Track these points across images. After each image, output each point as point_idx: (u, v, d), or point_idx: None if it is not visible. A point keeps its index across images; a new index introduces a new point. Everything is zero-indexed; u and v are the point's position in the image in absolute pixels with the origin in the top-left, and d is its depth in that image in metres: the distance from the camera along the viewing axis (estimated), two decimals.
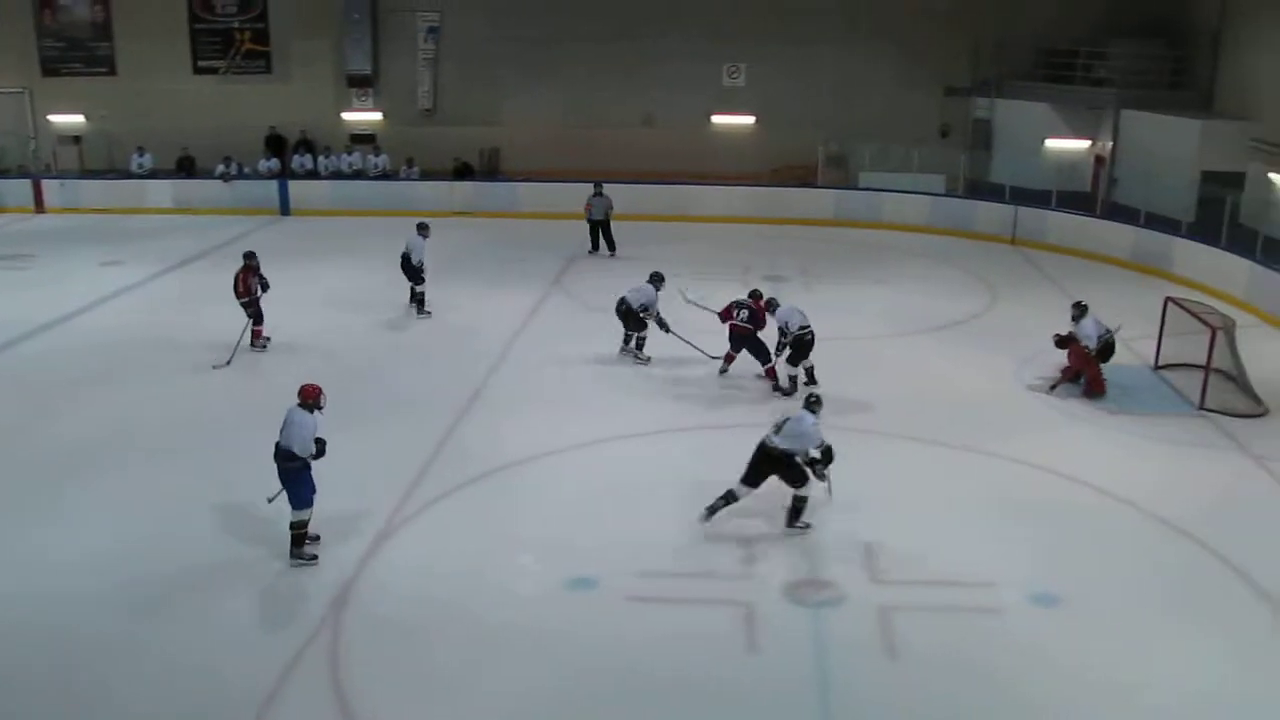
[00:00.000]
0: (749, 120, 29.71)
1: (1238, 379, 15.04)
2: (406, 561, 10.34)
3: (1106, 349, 15.03)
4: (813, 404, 10.95)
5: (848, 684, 8.69)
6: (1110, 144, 26.64)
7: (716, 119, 29.77)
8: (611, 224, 23.18)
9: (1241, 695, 8.69)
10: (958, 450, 13.08)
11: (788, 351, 14.74)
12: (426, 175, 28.08)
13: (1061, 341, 15.20)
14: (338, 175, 28.30)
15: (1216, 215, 20.90)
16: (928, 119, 29.14)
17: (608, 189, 23.34)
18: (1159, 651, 9.20)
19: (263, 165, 28.16)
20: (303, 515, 10.03)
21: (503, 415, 13.83)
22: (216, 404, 14.21)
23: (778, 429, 10.78)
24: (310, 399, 10.10)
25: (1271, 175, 23.29)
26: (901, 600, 9.79)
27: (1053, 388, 15.06)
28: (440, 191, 27.14)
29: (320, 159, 28.64)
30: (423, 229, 18.32)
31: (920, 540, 10.83)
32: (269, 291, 16.27)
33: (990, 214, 25.26)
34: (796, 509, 10.84)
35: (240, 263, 16.41)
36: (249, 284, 16.16)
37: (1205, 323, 14.94)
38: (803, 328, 14.65)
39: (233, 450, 12.42)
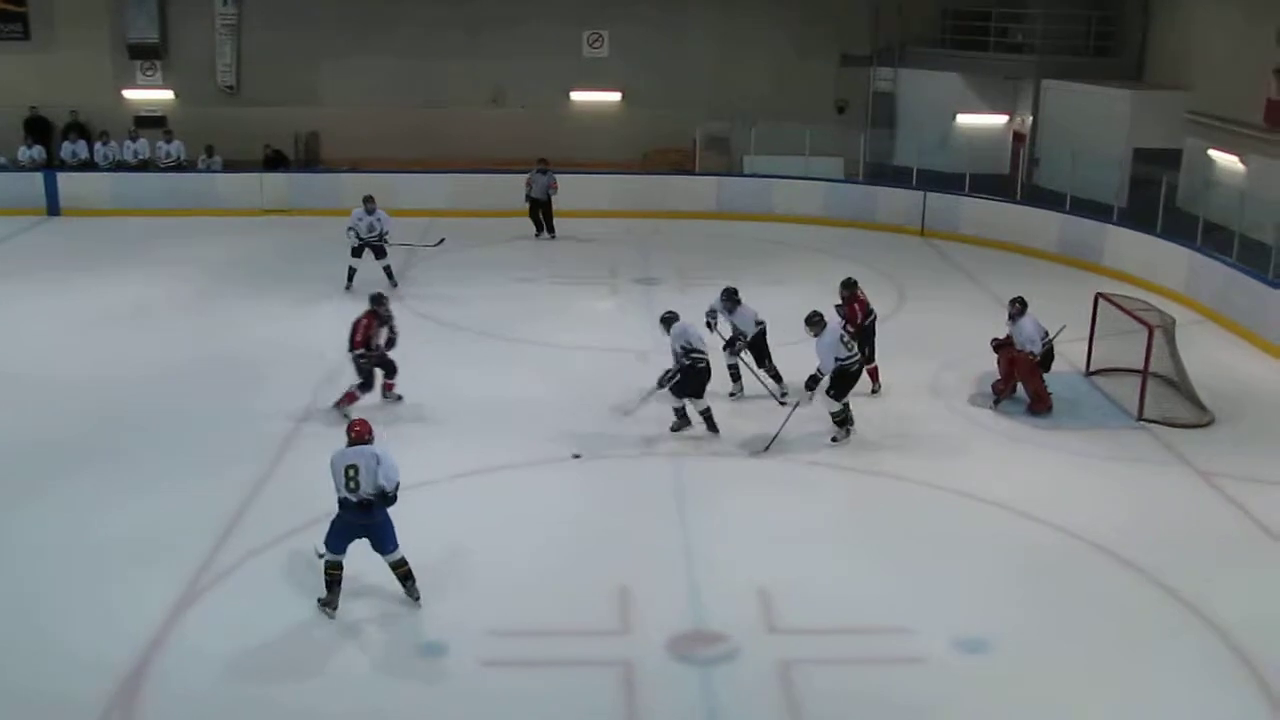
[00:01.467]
0: (614, 97, 29.88)
1: (1179, 384, 15.55)
2: (217, 631, 10.00)
3: (1046, 356, 15.28)
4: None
5: None
6: (1030, 119, 27.49)
7: (577, 96, 29.87)
8: (552, 205, 24.25)
9: None
10: (865, 475, 13.23)
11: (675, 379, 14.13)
12: (230, 166, 27.48)
13: (999, 345, 15.49)
14: (120, 167, 27.43)
15: (1151, 199, 21.70)
16: (822, 94, 29.68)
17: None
18: (1102, 695, 9.40)
19: (23, 154, 27.15)
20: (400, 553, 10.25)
21: (332, 448, 13.47)
22: None
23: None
24: (369, 435, 10.19)
25: (1211, 152, 24.28)
26: (805, 652, 9.82)
27: (996, 403, 15.31)
28: (247, 186, 26.55)
29: (97, 147, 27.71)
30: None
31: (825, 581, 10.90)
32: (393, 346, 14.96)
33: (895, 202, 25.81)
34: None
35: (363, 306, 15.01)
36: (370, 336, 14.49)
37: (1141, 321, 15.40)
38: (698, 353, 14.03)
39: None
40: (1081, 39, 27.90)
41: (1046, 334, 15.25)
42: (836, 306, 15.56)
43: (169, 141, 27.63)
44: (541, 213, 24.35)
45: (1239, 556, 11.79)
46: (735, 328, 15.29)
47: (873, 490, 12.96)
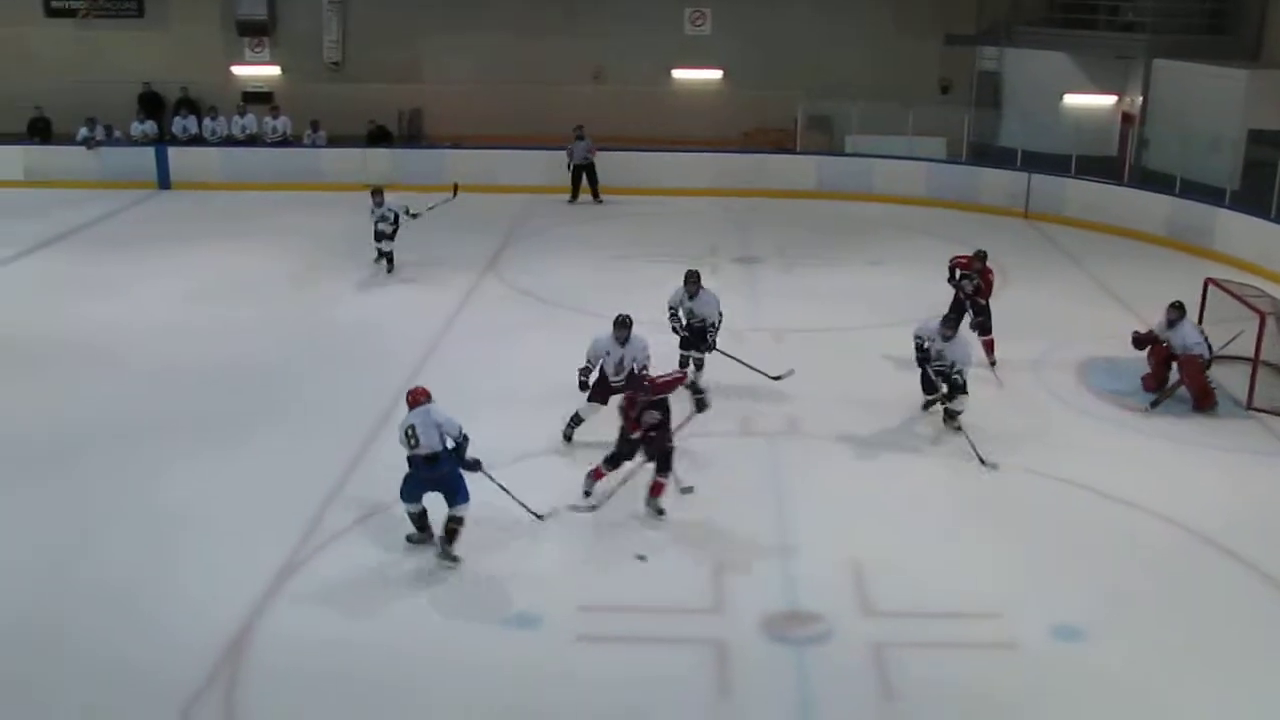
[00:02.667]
0: (716, 75, 29.79)
1: None
2: (315, 601, 10.21)
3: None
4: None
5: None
6: (1140, 99, 26.90)
7: (678, 74, 29.83)
8: (595, 166, 24.91)
9: None
10: (962, 461, 13.11)
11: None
12: (335, 141, 27.90)
13: (1140, 341, 15.16)
14: (228, 141, 28.05)
15: (1266, 182, 21.17)
16: (925, 73, 29.30)
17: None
18: (1201, 689, 9.26)
19: (136, 129, 27.86)
20: (467, 510, 10.73)
21: None
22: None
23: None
24: (423, 398, 10.76)
25: None
26: (899, 635, 9.79)
27: (1154, 404, 14.83)
28: (352, 160, 26.97)
29: (206, 121, 28.37)
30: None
31: (921, 566, 10.84)
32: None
33: (999, 183, 25.47)
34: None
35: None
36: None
37: (1252, 308, 15.07)
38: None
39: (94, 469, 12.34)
40: (1195, 17, 27.25)
41: (1204, 335, 14.83)
42: (963, 277, 15.77)
43: (275, 117, 28.15)
44: (586, 177, 25.07)
45: None
46: (696, 314, 14.72)
47: (972, 474, 12.85)
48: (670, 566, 10.74)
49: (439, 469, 10.62)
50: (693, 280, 14.73)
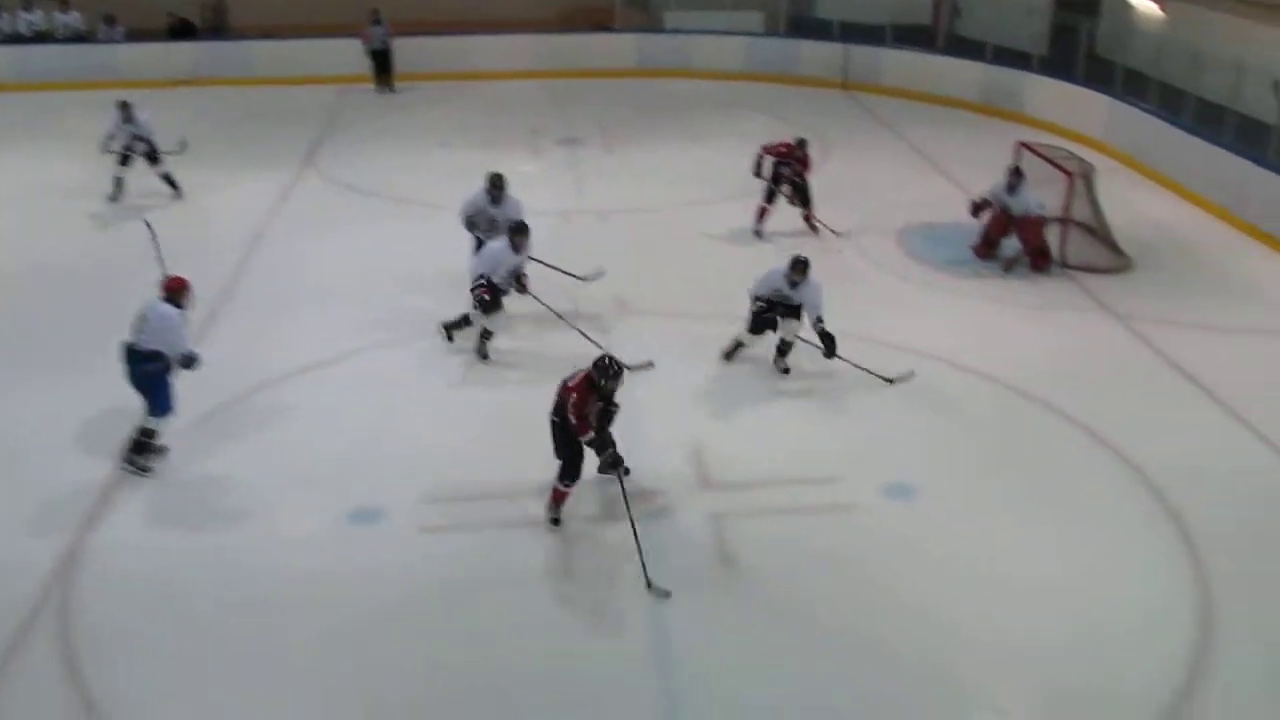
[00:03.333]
0: None
1: (1098, 231, 15.75)
2: (149, 508, 9.99)
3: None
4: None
5: (686, 598, 8.83)
6: None
7: None
8: (392, 53, 24.25)
9: (1115, 573, 9.22)
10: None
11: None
12: (133, 36, 26.62)
13: (978, 208, 15.39)
14: (14, 39, 26.52)
15: (1071, 46, 21.72)
16: None
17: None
18: (1026, 536, 9.67)
19: None
20: (158, 424, 10.35)
21: (253, 327, 13.40)
22: None
23: None
24: (175, 291, 10.31)
25: None
26: (739, 504, 10.00)
27: (1008, 269, 15.20)
28: (153, 56, 25.76)
29: None
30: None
31: (756, 439, 11.06)
32: None
33: (817, 55, 25.59)
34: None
35: None
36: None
37: (1062, 169, 15.52)
38: None
39: None
40: None
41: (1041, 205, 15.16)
42: (783, 164, 15.88)
43: (65, 12, 26.69)
44: (383, 64, 24.51)
45: (1157, 397, 12.09)
46: (499, 222, 13.17)
47: (804, 345, 13.06)
48: (511, 452, 10.74)
49: (137, 368, 10.16)
50: (497, 185, 13.42)
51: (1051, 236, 15.37)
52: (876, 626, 8.64)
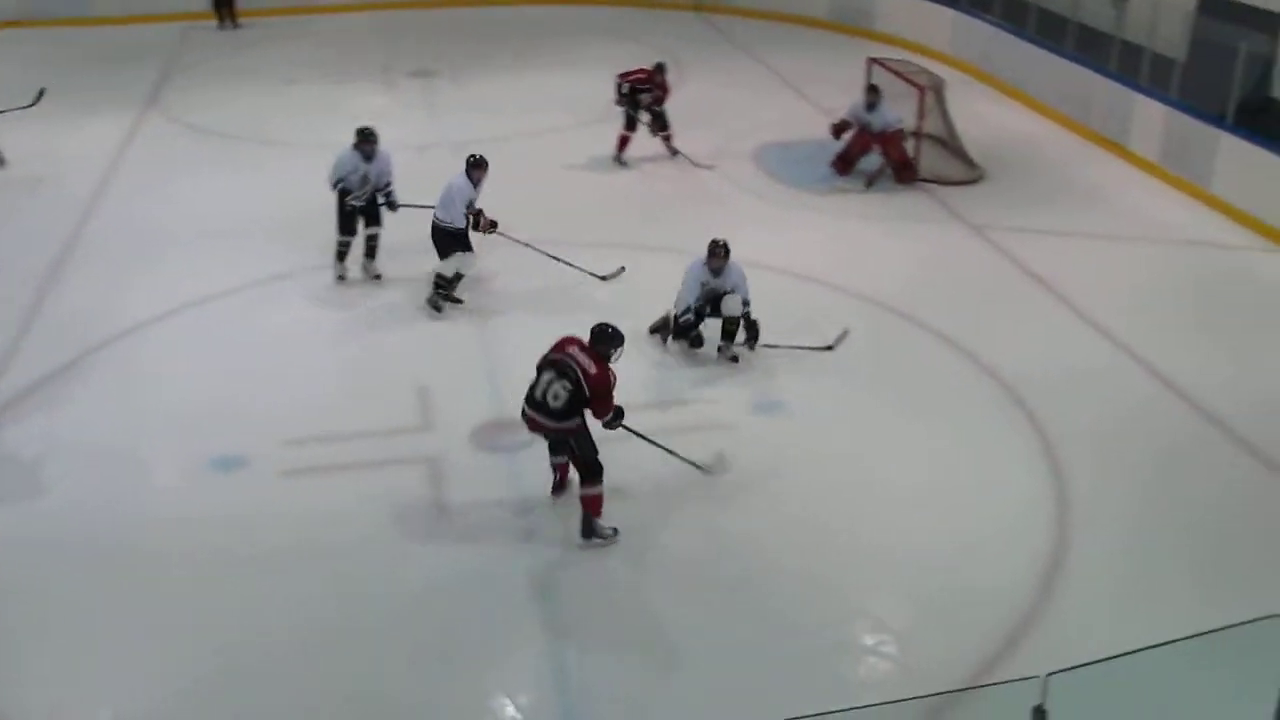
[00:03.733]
0: None
1: (950, 142, 16.04)
2: (9, 458, 9.75)
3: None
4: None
5: (565, 528, 8.87)
6: None
7: None
8: None
9: (978, 476, 9.52)
10: (656, 253, 13.33)
11: None
12: None
13: (839, 129, 15.54)
14: None
15: None
16: None
17: None
18: (895, 442, 9.93)
19: None
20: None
21: (106, 275, 12.99)
22: None
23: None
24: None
25: None
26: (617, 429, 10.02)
27: (869, 184, 15.39)
28: None
29: None
30: None
31: (630, 364, 10.99)
32: None
33: None
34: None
35: None
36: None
37: (912, 83, 15.73)
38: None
39: None
40: None
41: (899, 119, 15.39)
42: (641, 90, 15.82)
43: None
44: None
45: (1012, 304, 12.41)
46: (371, 180, 12.54)
47: (656, 265, 13.07)
48: (375, 389, 10.64)
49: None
50: (368, 139, 12.37)
51: (907, 149, 15.61)
52: (755, 536, 8.80)
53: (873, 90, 15.35)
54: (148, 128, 18.00)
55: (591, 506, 8.69)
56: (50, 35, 23.43)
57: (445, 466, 9.60)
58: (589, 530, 8.73)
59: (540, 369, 8.66)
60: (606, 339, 8.67)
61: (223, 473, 9.57)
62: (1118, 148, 16.59)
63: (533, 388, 8.66)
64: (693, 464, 9.27)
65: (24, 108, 16.60)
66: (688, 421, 10.20)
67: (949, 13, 21.04)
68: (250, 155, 16.72)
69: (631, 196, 15.22)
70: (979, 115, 17.62)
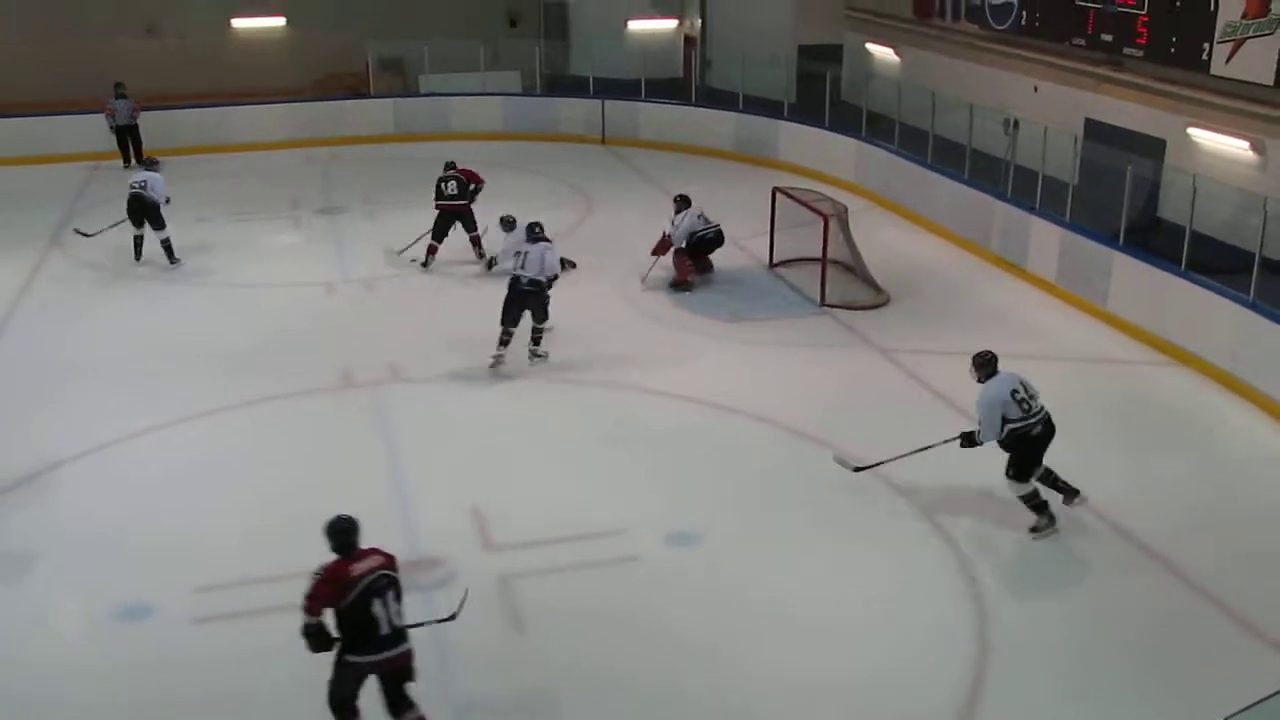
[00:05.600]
0: (279, 22, 28.77)
1: (856, 268, 16.33)
2: None
3: (703, 244, 16.37)
4: (533, 228, 13.84)
5: (474, 669, 8.73)
6: (699, 21, 27.96)
7: (238, 22, 28.63)
8: (140, 128, 23.37)
9: (898, 599, 9.54)
10: (561, 385, 13.37)
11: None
12: None
13: (660, 247, 16.29)
14: None
15: (818, 93, 22.49)
16: (493, 8, 29.43)
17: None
18: (810, 568, 9.92)
19: None
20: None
21: (6, 417, 12.71)
22: None
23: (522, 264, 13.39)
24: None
25: (869, 46, 25.37)
26: (524, 566, 9.92)
27: (644, 278, 16.35)
28: None
29: None
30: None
31: (535, 495, 11.03)
32: None
33: (575, 112, 25.94)
34: (536, 339, 13.67)
35: None
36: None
37: (816, 211, 16.05)
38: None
39: None
40: None
41: (706, 224, 16.40)
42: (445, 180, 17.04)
43: None
44: (130, 139, 23.58)
45: (919, 422, 12.47)
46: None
47: (568, 398, 13.10)
48: (285, 530, 10.42)
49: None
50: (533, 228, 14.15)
51: (810, 276, 15.86)
52: (670, 675, 8.68)
53: (676, 199, 16.60)
54: (49, 268, 17.73)
55: None
56: None
57: None
58: None
59: (370, 596, 7.53)
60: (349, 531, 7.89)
61: (130, 621, 9.28)
62: (1016, 269, 17.00)
63: (375, 622, 7.51)
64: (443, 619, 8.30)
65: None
66: (595, 555, 10.12)
67: (851, 142, 21.58)
68: (155, 291, 16.56)
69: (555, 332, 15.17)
70: (883, 241, 18.00)
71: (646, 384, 13.32)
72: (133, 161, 23.59)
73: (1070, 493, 10.48)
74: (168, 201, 17.46)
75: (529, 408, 12.91)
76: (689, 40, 28.75)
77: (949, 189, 18.77)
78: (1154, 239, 15.83)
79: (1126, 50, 17.74)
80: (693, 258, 16.39)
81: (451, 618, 8.31)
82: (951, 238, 18.57)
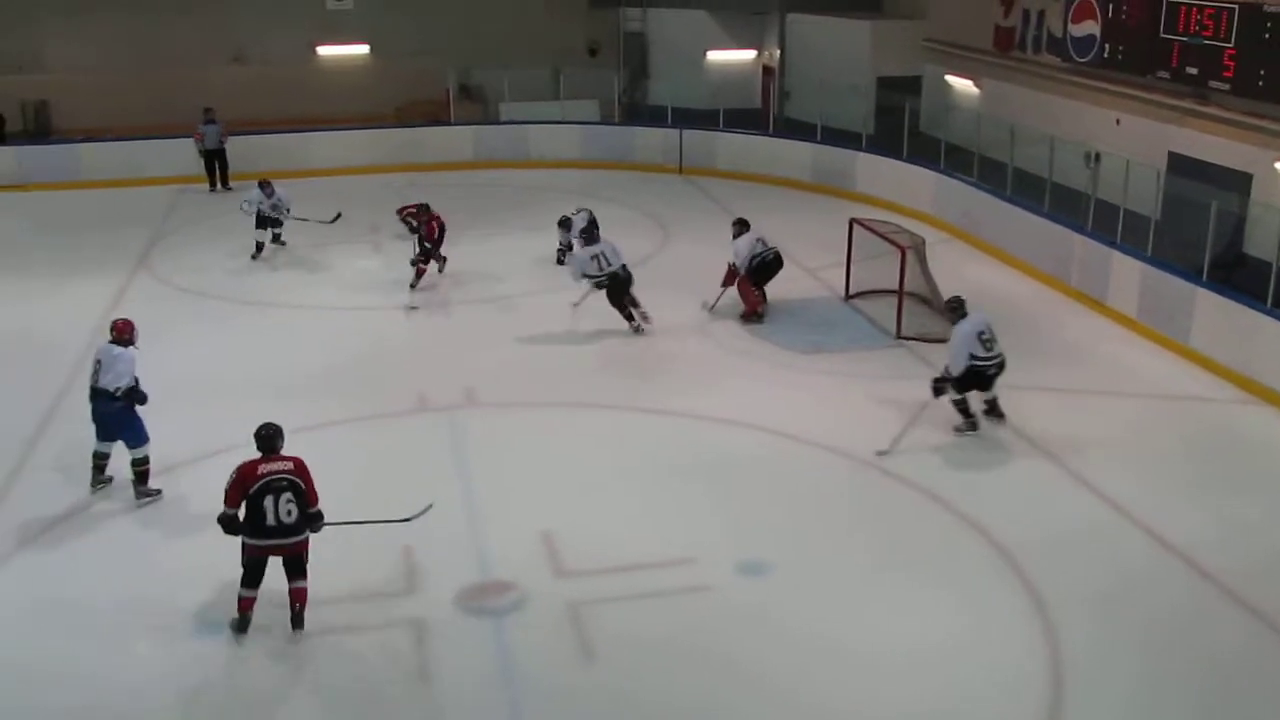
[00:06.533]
0: (362, 50, 29.24)
1: (933, 301, 16.21)
2: None
3: (763, 268, 16.26)
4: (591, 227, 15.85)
5: (545, 696, 8.74)
6: (778, 52, 28.03)
7: (323, 50, 29.11)
8: (227, 152, 23.96)
9: (969, 637, 9.42)
10: (640, 414, 13.39)
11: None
12: None
13: (728, 278, 16.26)
14: None
15: (896, 125, 22.46)
16: (573, 37, 29.66)
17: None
18: (881, 604, 9.83)
19: None
20: (144, 452, 11.35)
21: (88, 441, 12.92)
22: None
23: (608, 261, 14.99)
24: (125, 334, 11.44)
25: (948, 77, 25.26)
26: (594, 593, 9.93)
27: (711, 307, 16.34)
28: None
29: None
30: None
31: (609, 523, 11.04)
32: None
33: (652, 141, 26.05)
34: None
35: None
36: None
37: (893, 243, 15.99)
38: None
39: None
40: None
41: (765, 248, 16.31)
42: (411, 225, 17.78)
43: None
44: (218, 163, 24.12)
45: (1000, 461, 12.43)
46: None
47: (641, 426, 13.12)
48: (359, 552, 10.50)
49: (104, 407, 11.24)
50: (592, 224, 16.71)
51: (887, 308, 15.78)
52: (739, 708, 8.63)
53: (735, 223, 16.63)
54: (137, 288, 18.10)
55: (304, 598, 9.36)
56: (42, 198, 23.74)
57: (430, 630, 9.47)
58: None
59: (265, 493, 9.07)
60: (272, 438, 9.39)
61: (209, 637, 9.40)
62: (1096, 304, 16.80)
63: (263, 514, 9.05)
64: (394, 520, 9.91)
65: (324, 222, 19.78)
66: (666, 584, 10.11)
67: (930, 174, 21.48)
68: (237, 315, 16.83)
69: (618, 357, 15.23)
70: (961, 273, 17.85)
71: (719, 414, 13.31)
72: (219, 185, 24.09)
73: (999, 417, 12.75)
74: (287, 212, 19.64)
75: (602, 435, 12.95)
76: (767, 70, 28.82)
77: (1029, 222, 18.61)
78: (1239, 275, 15.58)
79: (1212, 83, 17.49)
80: (757, 285, 16.32)
81: (405, 520, 9.92)
82: (1030, 271, 18.40)
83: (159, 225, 21.66)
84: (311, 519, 9.24)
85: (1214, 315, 14.75)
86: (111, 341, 11.38)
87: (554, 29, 29.02)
